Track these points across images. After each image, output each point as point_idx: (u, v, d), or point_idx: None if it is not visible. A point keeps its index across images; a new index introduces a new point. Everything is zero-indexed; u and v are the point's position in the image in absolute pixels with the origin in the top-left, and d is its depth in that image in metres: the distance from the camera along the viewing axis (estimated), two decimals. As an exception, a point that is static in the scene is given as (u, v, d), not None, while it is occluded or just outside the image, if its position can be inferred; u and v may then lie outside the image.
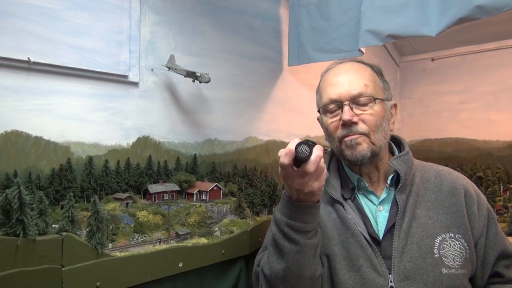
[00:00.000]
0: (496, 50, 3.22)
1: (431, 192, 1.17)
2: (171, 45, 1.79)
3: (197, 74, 1.70)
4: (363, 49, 1.99)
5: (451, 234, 1.11)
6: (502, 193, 2.74)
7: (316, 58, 2.16)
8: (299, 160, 0.90)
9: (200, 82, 1.73)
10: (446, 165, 1.32)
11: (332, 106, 1.17)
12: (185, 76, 1.71)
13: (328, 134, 1.22)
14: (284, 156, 0.92)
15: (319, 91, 1.26)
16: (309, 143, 0.91)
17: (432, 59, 3.57)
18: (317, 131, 2.74)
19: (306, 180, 0.94)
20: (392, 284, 1.08)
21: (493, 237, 1.16)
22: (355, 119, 1.12)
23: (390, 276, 1.09)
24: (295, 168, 0.93)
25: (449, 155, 3.35)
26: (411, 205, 1.14)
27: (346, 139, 1.14)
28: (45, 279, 1.05)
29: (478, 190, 1.22)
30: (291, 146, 0.91)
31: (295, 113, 2.57)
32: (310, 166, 0.91)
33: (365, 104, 1.14)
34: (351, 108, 1.13)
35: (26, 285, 1.02)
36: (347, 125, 1.13)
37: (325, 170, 0.97)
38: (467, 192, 1.17)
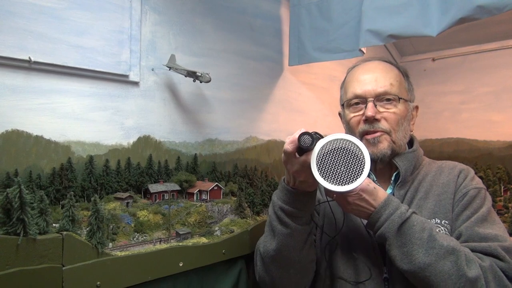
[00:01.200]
0: (497, 50, 3.21)
1: (427, 184, 1.18)
2: (171, 45, 1.79)
3: (197, 73, 1.70)
4: (363, 49, 1.99)
5: (437, 220, 1.11)
6: (502, 193, 2.74)
7: (316, 58, 2.16)
8: (302, 149, 0.94)
9: (201, 82, 1.73)
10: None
11: (356, 101, 1.20)
12: (185, 76, 1.71)
13: (349, 128, 1.24)
14: (289, 143, 0.96)
15: (344, 86, 1.28)
16: (314, 135, 0.94)
17: (433, 59, 3.57)
18: (317, 131, 2.73)
19: (305, 170, 0.97)
20: (386, 275, 1.11)
21: (460, 221, 1.10)
22: (378, 116, 1.15)
23: (385, 267, 1.11)
24: (297, 156, 0.97)
25: (449, 155, 3.35)
26: (407, 200, 1.16)
27: (368, 137, 1.16)
28: (45, 278, 1.05)
29: (473, 176, 1.20)
30: (296, 135, 0.94)
31: (296, 113, 2.57)
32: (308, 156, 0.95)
33: (389, 103, 1.16)
34: (375, 105, 1.15)
35: (27, 284, 1.02)
36: (369, 121, 1.15)
37: None
38: (460, 173, 1.18)
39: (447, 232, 1.10)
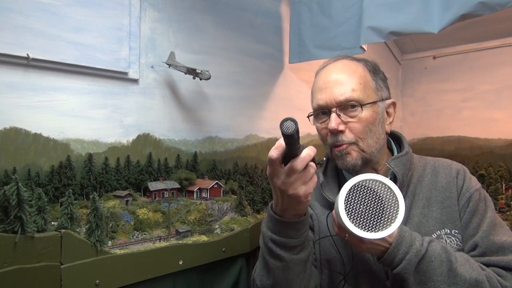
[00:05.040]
0: (499, 48, 3.20)
1: (426, 189, 1.14)
2: (171, 42, 1.78)
3: (197, 71, 1.69)
4: (364, 46, 1.98)
5: (446, 230, 1.07)
6: (504, 191, 2.73)
7: (317, 55, 2.15)
8: (287, 155, 0.86)
9: (201, 79, 1.72)
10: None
11: (320, 112, 1.14)
12: (185, 73, 1.70)
13: (321, 138, 1.20)
14: (274, 149, 0.87)
15: (311, 93, 1.21)
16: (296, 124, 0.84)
17: (434, 57, 3.56)
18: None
19: (292, 180, 0.88)
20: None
21: (471, 230, 1.07)
22: (341, 127, 1.09)
23: (388, 281, 1.07)
24: (283, 166, 0.88)
25: (451, 153, 3.34)
26: (406, 207, 1.11)
27: (335, 150, 1.11)
28: (43, 277, 1.05)
29: (470, 175, 1.15)
30: (282, 141, 0.86)
31: (296, 110, 2.56)
32: (298, 163, 0.85)
33: (353, 110, 1.09)
34: (339, 115, 1.09)
35: (25, 282, 1.01)
36: (334, 133, 1.10)
37: (315, 178, 0.91)
38: (458, 174, 1.14)
39: (459, 242, 1.06)
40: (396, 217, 0.86)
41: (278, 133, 2.57)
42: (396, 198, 0.87)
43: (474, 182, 1.14)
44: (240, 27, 2.14)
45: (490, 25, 2.95)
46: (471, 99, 3.33)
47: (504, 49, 3.18)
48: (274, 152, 0.87)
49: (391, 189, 0.87)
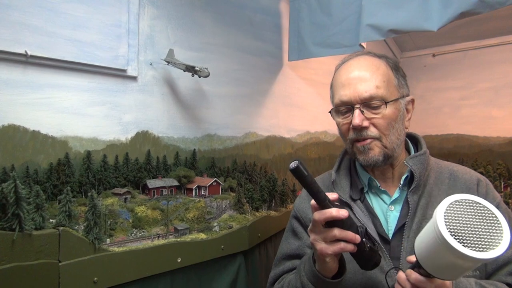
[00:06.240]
0: (498, 46, 3.20)
1: (444, 194, 1.12)
2: (170, 40, 1.77)
3: (196, 68, 1.69)
4: (363, 44, 1.98)
5: None
6: (503, 189, 2.74)
7: (316, 53, 2.15)
8: (295, 176, 0.85)
9: (200, 77, 1.72)
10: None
11: (343, 108, 1.14)
12: (184, 70, 1.70)
13: (340, 133, 1.19)
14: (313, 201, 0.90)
15: (332, 88, 1.21)
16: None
17: (433, 55, 3.56)
18: (317, 127, 2.73)
19: (316, 231, 0.91)
20: None
21: None
22: (365, 123, 1.09)
23: None
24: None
25: (450, 151, 3.34)
26: (422, 206, 1.10)
27: (358, 144, 1.11)
28: (41, 274, 1.04)
29: (491, 187, 1.16)
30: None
31: (295, 108, 2.56)
32: (317, 213, 0.88)
33: (376, 107, 1.10)
34: (362, 112, 1.09)
35: (23, 280, 1.01)
36: (357, 129, 1.10)
37: (341, 245, 0.89)
38: (479, 183, 1.14)
39: None
40: (502, 232, 0.74)
41: (277, 131, 2.57)
42: (495, 215, 0.76)
43: (496, 192, 1.15)
44: (239, 24, 2.14)
45: (489, 23, 2.95)
46: (470, 97, 3.33)
47: (503, 47, 3.18)
48: (312, 200, 0.90)
49: (486, 207, 0.77)
